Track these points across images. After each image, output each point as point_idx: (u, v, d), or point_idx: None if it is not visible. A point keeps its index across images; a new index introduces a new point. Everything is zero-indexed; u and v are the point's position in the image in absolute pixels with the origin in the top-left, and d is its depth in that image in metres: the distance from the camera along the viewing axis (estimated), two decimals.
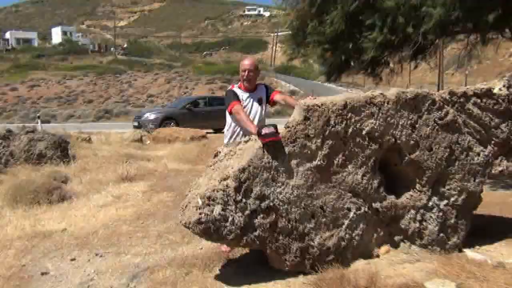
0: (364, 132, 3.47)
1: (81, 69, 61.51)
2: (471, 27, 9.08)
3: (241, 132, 3.97)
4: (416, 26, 9.38)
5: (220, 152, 3.54)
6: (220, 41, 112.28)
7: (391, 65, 13.59)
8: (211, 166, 3.48)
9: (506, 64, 60.95)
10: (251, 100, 3.99)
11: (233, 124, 4.02)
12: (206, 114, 17.25)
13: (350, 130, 3.43)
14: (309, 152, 3.34)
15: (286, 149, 3.29)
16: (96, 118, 32.74)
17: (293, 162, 3.31)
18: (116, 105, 37.78)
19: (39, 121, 21.29)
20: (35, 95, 46.46)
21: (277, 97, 4.04)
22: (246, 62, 3.98)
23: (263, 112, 4.05)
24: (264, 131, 3.24)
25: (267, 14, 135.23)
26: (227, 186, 3.16)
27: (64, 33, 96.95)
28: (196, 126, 15.22)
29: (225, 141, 4.10)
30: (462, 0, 7.96)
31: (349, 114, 3.42)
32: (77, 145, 11.53)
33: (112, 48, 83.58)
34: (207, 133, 15.65)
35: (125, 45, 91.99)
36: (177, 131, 14.08)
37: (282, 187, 3.27)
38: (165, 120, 16.50)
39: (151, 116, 16.86)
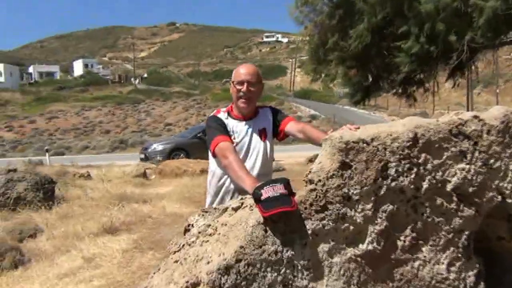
0: (449, 188, 1.91)
1: (100, 99, 61.44)
2: None
3: (231, 187, 2.47)
4: (459, 34, 7.83)
5: (192, 226, 2.03)
6: None
7: (426, 83, 12.02)
8: (175, 253, 1.95)
9: None
10: (249, 133, 2.50)
11: (218, 173, 2.52)
12: None
13: (425, 184, 1.88)
14: (351, 228, 1.80)
15: (309, 225, 1.76)
16: (111, 149, 31.77)
17: (322, 248, 1.77)
18: (132, 135, 36.85)
19: (47, 154, 20.27)
20: (52, 126, 46.14)
21: (291, 126, 2.51)
22: (243, 71, 2.48)
23: (268, 153, 2.53)
24: (266, 193, 1.74)
25: (285, 40, 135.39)
26: None
27: (86, 65, 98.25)
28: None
29: (207, 201, 2.60)
30: None
31: (422, 156, 1.88)
32: (72, 183, 10.22)
33: (132, 78, 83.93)
34: None
35: (145, 75, 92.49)
36: (185, 163, 12.64)
37: None
38: (174, 151, 15.07)
39: (158, 147, 15.46)
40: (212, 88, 76.55)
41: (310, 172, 1.87)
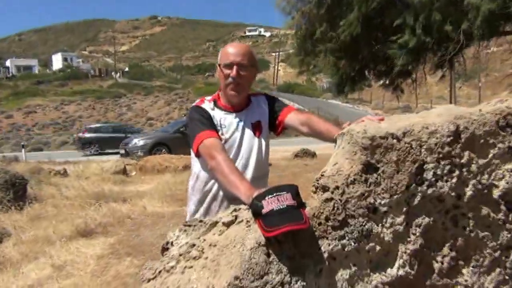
0: (496, 194, 1.52)
1: (80, 94, 60.03)
2: None
3: (220, 194, 2.03)
4: (454, 23, 7.49)
5: (171, 245, 1.59)
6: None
7: (414, 75, 11.72)
8: (149, 281, 1.52)
9: None
10: (240, 127, 2.05)
11: (203, 176, 2.05)
12: None
13: (469, 190, 1.48)
14: (377, 248, 1.40)
15: (325, 246, 1.34)
16: None
17: (342, 276, 1.36)
18: None
19: (23, 150, 19.51)
20: (30, 121, 44.88)
21: (292, 118, 2.03)
22: (232, 50, 1.99)
23: (263, 151, 2.08)
24: (269, 204, 1.31)
25: (268, 34, 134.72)
26: None
27: (65, 59, 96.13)
28: None
29: (189, 209, 2.16)
30: None
31: (466, 154, 1.47)
32: (46, 181, 9.64)
33: (112, 72, 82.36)
34: None
35: (126, 69, 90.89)
36: (168, 159, 12.15)
37: None
38: (155, 146, 14.51)
39: (139, 142, 14.86)
40: (194, 82, 75.61)
41: (322, 175, 1.45)
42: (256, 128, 2.06)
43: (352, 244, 1.37)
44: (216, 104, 2.07)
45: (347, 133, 1.46)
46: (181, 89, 62.28)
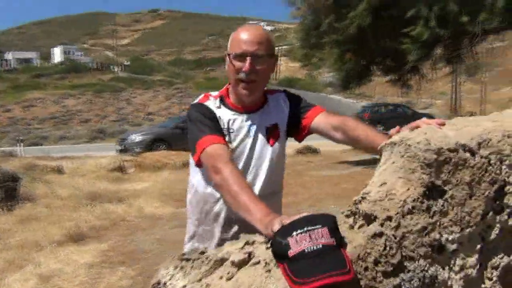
0: None
1: (79, 87, 59.54)
2: None
3: (224, 215, 1.63)
4: (472, 14, 7.10)
5: (164, 287, 1.21)
6: (222, 57, 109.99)
7: (422, 70, 11.31)
8: None
9: None
10: (251, 132, 1.64)
11: (202, 192, 1.66)
12: None
13: None
14: None
15: None
16: (90, 138, 30.60)
17: None
18: (112, 124, 35.66)
19: (20, 144, 19.17)
20: (29, 115, 44.49)
21: (321, 121, 1.62)
22: (245, 37, 1.55)
23: (276, 162, 1.67)
24: (298, 244, 0.94)
25: (269, 28, 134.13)
26: None
27: (65, 52, 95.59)
28: None
29: (188, 229, 1.76)
30: None
31: None
32: (40, 179, 9.27)
33: (112, 66, 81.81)
34: None
35: (126, 62, 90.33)
36: (167, 155, 11.79)
37: None
38: (154, 142, 14.12)
39: (137, 137, 14.44)
40: (195, 76, 75.14)
41: (364, 198, 1.07)
42: (272, 134, 1.66)
43: None
44: (223, 101, 1.66)
45: (401, 143, 1.07)
46: (181, 83, 61.81)
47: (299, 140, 1.73)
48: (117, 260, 4.38)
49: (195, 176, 1.69)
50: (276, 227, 1.02)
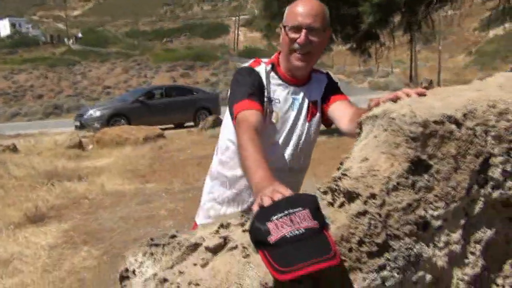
0: None
1: (31, 62, 56.82)
2: None
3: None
4: None
5: (133, 275, 1.13)
6: (180, 27, 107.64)
7: (381, 39, 11.41)
8: None
9: (471, 39, 60.31)
10: (295, 105, 1.65)
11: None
12: (163, 107, 14.32)
13: None
14: (427, 278, 0.99)
15: (359, 282, 0.92)
16: (45, 115, 29.47)
17: None
18: (68, 100, 34.40)
19: None
20: None
21: (338, 109, 1.63)
22: (302, 9, 1.53)
23: (311, 140, 1.70)
24: (278, 229, 0.87)
25: None
26: None
27: (13, 25, 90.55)
28: (152, 123, 12.63)
29: (207, 195, 1.81)
30: None
31: None
32: None
33: (65, 38, 78.30)
34: (165, 129, 13.05)
35: (80, 35, 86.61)
36: (127, 130, 11.45)
37: None
38: (113, 117, 13.66)
39: (96, 113, 13.95)
40: (152, 48, 73.09)
41: (344, 174, 1.02)
42: (311, 110, 1.67)
43: (396, 275, 0.95)
44: (274, 68, 1.65)
45: (383, 116, 1.01)
46: (139, 55, 60.00)
47: (327, 125, 1.76)
48: (80, 240, 4.24)
49: (227, 137, 1.71)
50: (255, 209, 0.96)
